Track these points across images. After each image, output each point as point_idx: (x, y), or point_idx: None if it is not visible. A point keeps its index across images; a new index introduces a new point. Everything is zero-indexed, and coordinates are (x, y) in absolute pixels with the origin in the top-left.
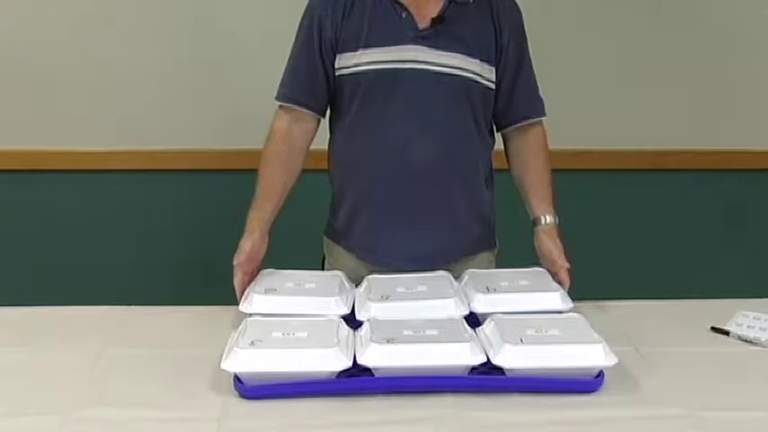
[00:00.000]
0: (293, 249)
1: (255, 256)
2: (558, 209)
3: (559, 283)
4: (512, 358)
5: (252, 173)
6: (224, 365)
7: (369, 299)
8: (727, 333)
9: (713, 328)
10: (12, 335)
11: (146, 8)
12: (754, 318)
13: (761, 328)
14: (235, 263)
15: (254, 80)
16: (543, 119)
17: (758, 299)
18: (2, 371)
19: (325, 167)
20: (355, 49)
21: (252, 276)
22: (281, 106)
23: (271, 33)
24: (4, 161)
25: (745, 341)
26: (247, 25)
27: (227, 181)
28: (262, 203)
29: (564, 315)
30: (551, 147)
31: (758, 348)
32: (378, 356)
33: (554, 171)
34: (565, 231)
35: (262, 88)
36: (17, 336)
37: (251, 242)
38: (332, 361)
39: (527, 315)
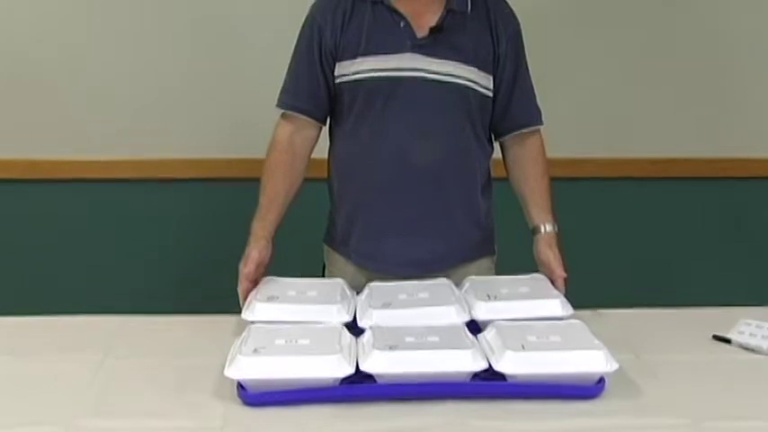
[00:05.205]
0: (294, 257)
1: (262, 264)
2: (556, 217)
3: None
4: (513, 364)
5: (255, 181)
6: (227, 373)
7: (370, 306)
8: (728, 341)
9: (715, 337)
10: (13, 344)
11: (149, 17)
12: (757, 326)
13: (763, 337)
14: (244, 271)
15: (257, 89)
16: (541, 128)
17: (760, 307)
18: (3, 380)
19: (326, 176)
20: (354, 57)
21: (256, 284)
22: (282, 114)
23: (274, 42)
24: (4, 170)
25: (747, 349)
26: (251, 34)
27: (230, 189)
28: (266, 212)
29: (565, 321)
30: (549, 155)
31: (760, 357)
32: (380, 363)
33: (552, 180)
34: (563, 240)
35: (265, 97)
36: (18, 345)
37: (257, 250)
38: (334, 368)
39: (528, 321)
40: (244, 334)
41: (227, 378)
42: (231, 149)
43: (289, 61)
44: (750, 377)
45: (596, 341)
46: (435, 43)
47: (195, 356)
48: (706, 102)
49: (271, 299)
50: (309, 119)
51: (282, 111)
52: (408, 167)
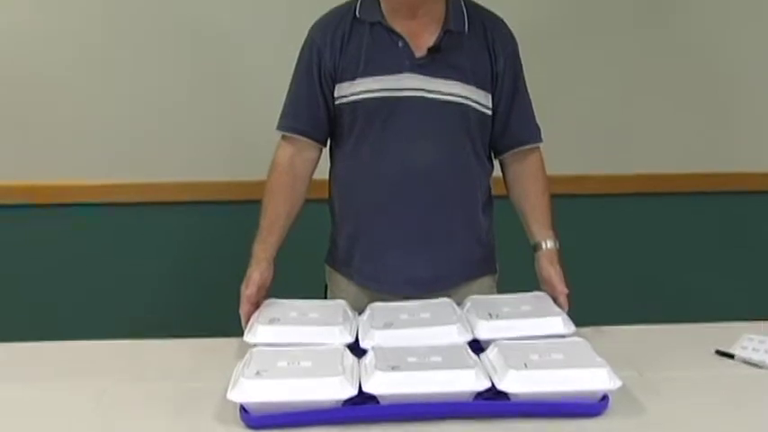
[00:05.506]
0: (296, 279)
1: (263, 286)
2: (557, 234)
3: (559, 307)
4: (516, 383)
5: (255, 204)
6: (230, 396)
7: (372, 326)
8: (732, 356)
9: (718, 352)
10: (16, 370)
11: (149, 41)
12: (760, 341)
13: (766, 351)
14: (246, 293)
15: (257, 111)
16: (540, 145)
17: (763, 322)
18: (7, 407)
19: (326, 197)
20: (353, 78)
21: (258, 306)
22: (283, 137)
23: (274, 64)
24: (4, 195)
25: (751, 364)
26: (251, 57)
27: (231, 212)
28: (267, 234)
29: (567, 339)
30: (549, 172)
31: (764, 372)
32: (383, 384)
33: (552, 196)
34: (565, 256)
35: (265, 119)
36: (21, 371)
37: (259, 272)
38: (337, 389)
39: (530, 340)
40: (246, 357)
41: (229, 401)
42: (231, 172)
43: (289, 84)
44: (754, 392)
45: (599, 359)
46: (433, 63)
47: (197, 380)
48: (705, 117)
49: (273, 321)
50: (310, 140)
51: (283, 133)
52: (409, 186)
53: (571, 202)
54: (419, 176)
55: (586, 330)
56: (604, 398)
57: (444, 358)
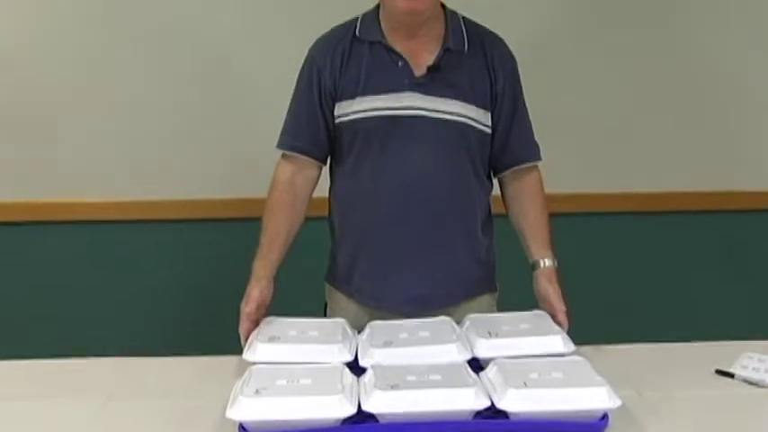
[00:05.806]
0: (296, 296)
1: (263, 304)
2: (555, 252)
3: (558, 324)
4: (516, 402)
5: (255, 221)
6: (229, 414)
7: (372, 345)
8: (732, 375)
9: (718, 371)
10: (15, 388)
11: (149, 59)
12: (759, 360)
13: (766, 370)
14: (245, 310)
15: (256, 129)
16: (539, 163)
17: (763, 341)
18: (5, 424)
19: (326, 214)
20: (353, 97)
21: (258, 324)
22: (283, 155)
23: (274, 83)
24: (4, 213)
25: (751, 384)
26: (250, 75)
27: (231, 229)
28: (267, 252)
29: (567, 358)
30: (547, 190)
31: (764, 391)
32: (382, 403)
33: (551, 215)
34: (563, 275)
35: (264, 137)
36: (20, 388)
37: (259, 290)
38: (336, 408)
39: (530, 359)
40: (245, 375)
41: (228, 419)
42: (231, 190)
43: (289, 102)
44: (754, 411)
45: (599, 377)
46: (433, 81)
47: (196, 398)
48: (705, 136)
49: (272, 339)
50: (310, 159)
51: (283, 151)
52: (408, 205)
53: (570, 221)
54: (419, 194)
55: (586, 349)
56: (604, 417)
57: (444, 377)
